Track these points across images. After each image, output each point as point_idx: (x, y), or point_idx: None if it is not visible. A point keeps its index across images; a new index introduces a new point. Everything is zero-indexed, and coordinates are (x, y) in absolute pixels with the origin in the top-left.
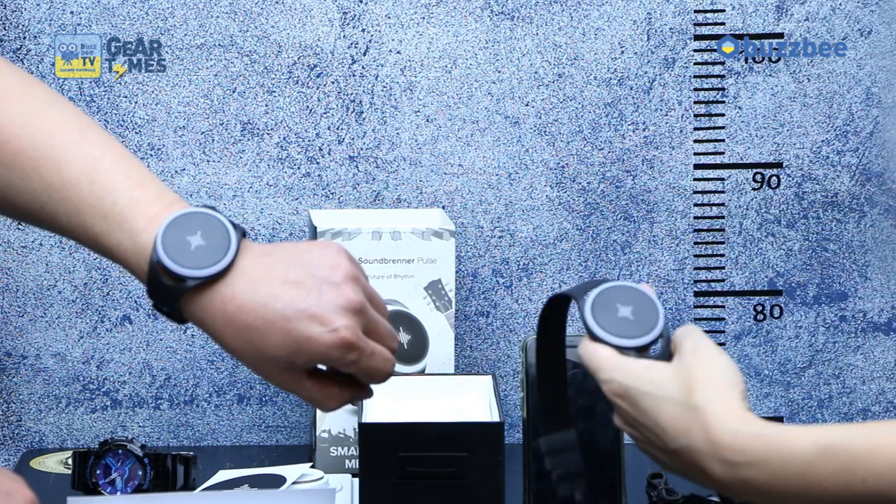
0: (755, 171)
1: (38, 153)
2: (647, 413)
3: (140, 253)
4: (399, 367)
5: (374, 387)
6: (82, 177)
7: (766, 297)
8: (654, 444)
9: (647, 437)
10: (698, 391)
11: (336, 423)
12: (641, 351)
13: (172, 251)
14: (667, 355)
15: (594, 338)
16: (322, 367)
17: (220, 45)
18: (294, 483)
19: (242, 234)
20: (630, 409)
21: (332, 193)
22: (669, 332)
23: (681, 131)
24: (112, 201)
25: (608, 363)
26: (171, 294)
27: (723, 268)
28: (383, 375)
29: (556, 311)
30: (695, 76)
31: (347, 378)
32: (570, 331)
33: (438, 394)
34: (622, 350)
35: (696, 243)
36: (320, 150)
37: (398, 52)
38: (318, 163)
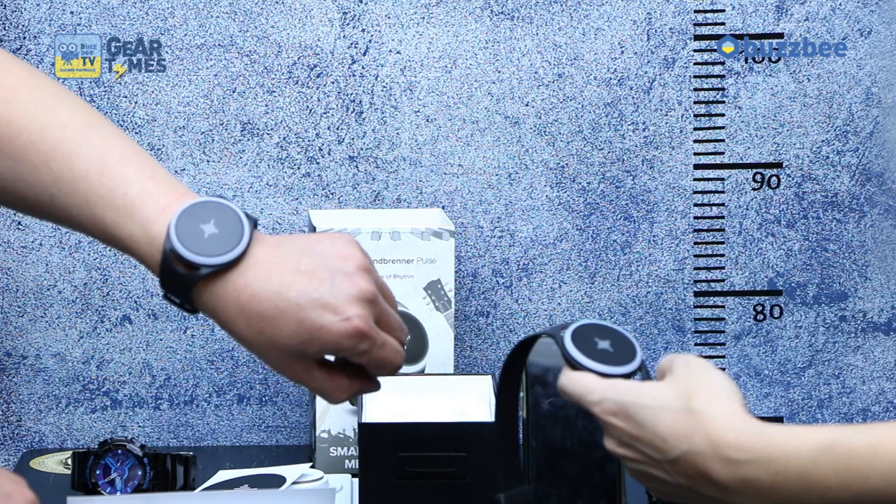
0: (755, 171)
1: (48, 146)
2: (644, 425)
3: (152, 242)
4: None
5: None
6: (92, 169)
7: (766, 297)
8: (652, 460)
9: (644, 452)
10: (697, 398)
11: (336, 423)
12: (625, 379)
13: (186, 239)
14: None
15: (576, 367)
16: (330, 358)
17: (220, 45)
18: (294, 483)
19: (254, 224)
20: (626, 425)
21: (332, 193)
22: (648, 368)
23: (681, 131)
24: (123, 192)
25: (597, 386)
26: (185, 283)
27: (723, 268)
28: (393, 367)
29: (515, 364)
30: (695, 76)
31: (355, 370)
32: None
33: (438, 394)
34: (607, 377)
35: (696, 243)
36: (320, 150)
37: (398, 52)
38: (318, 163)
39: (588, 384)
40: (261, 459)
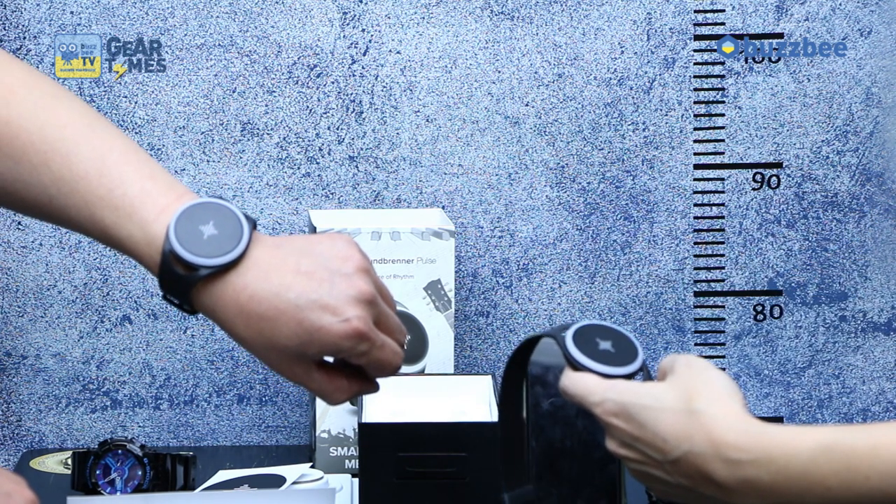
0: (755, 171)
1: (47, 147)
2: (645, 426)
3: (151, 243)
4: None
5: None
6: (91, 169)
7: (766, 297)
8: (653, 461)
9: (646, 453)
10: (698, 399)
11: (336, 423)
12: (627, 379)
13: (185, 240)
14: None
15: (577, 367)
16: (329, 359)
17: (220, 45)
18: (294, 483)
19: (253, 225)
20: (627, 426)
21: (332, 193)
22: (649, 368)
23: (681, 131)
24: (122, 193)
25: (598, 387)
26: (184, 284)
27: (723, 268)
28: (392, 368)
29: (518, 364)
30: (695, 76)
31: (354, 372)
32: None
33: (438, 394)
34: (608, 378)
35: (696, 243)
36: (320, 150)
37: (398, 52)
38: (318, 163)
39: (589, 385)
40: (261, 459)
